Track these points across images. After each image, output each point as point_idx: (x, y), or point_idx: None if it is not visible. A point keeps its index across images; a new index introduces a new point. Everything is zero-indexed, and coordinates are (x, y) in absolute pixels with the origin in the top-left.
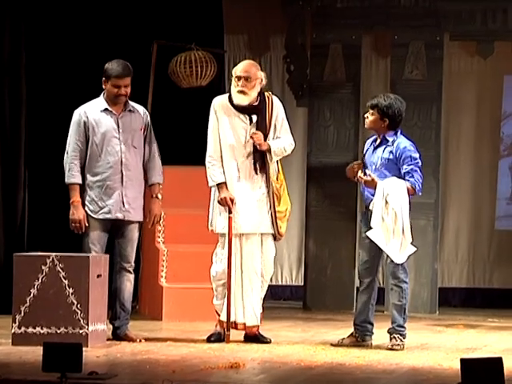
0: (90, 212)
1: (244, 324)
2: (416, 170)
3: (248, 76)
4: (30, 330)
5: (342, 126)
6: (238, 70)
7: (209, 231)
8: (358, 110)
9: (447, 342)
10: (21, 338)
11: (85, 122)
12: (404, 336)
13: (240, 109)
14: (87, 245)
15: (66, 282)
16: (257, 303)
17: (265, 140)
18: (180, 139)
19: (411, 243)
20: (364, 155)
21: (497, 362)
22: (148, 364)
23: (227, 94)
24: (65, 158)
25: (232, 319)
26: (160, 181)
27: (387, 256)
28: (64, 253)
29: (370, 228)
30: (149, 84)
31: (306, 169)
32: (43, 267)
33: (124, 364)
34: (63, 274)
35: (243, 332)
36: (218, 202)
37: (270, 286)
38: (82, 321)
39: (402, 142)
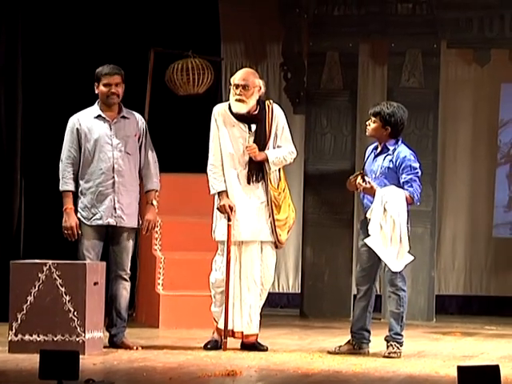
0: (83, 219)
1: (241, 332)
2: (415, 180)
3: (246, 84)
4: (27, 337)
5: (339, 133)
6: (236, 78)
7: (213, 239)
8: (354, 118)
9: (444, 350)
10: (17, 346)
11: (78, 129)
12: (401, 344)
13: (239, 117)
14: (82, 252)
15: (63, 289)
16: (255, 312)
17: (264, 149)
18: (177, 147)
19: (408, 252)
20: (364, 163)
21: (494, 370)
22: (145, 371)
23: (227, 103)
24: (60, 165)
25: (230, 327)
26: (156, 187)
27: (385, 264)
28: (60, 260)
29: (368, 235)
30: (146, 91)
31: (303, 176)
32: (40, 275)
33: (121, 371)
34: (60, 281)
35: (240, 340)
36: (218, 209)
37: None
38: (78, 328)
39: (403, 151)
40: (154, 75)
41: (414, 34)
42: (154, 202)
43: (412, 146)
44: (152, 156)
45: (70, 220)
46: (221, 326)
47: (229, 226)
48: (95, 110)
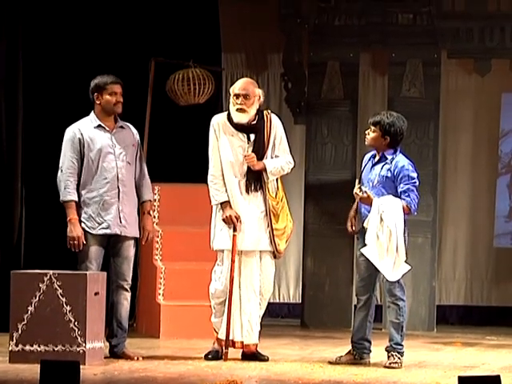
0: (87, 229)
1: (242, 342)
2: (412, 190)
3: (246, 94)
4: (28, 347)
5: (339, 143)
6: (236, 87)
7: (211, 249)
8: (355, 128)
9: (445, 360)
10: (18, 356)
11: (80, 139)
12: (402, 354)
13: (238, 127)
14: (84, 262)
15: (64, 299)
16: (255, 321)
17: (262, 159)
18: (178, 157)
19: (405, 261)
20: (361, 171)
21: (495, 381)
22: (146, 382)
23: (226, 113)
24: (59, 175)
25: (230, 337)
26: (151, 198)
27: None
28: (61, 270)
29: (366, 245)
30: (146, 101)
31: (303, 186)
32: (41, 285)
33: (121, 382)
34: (61, 291)
35: (241, 350)
36: (223, 220)
37: (267, 303)
38: (79, 338)
39: (401, 161)
40: (154, 85)
41: (415, 43)
42: (151, 213)
43: (412, 156)
44: (145, 166)
45: (76, 230)
46: (221, 336)
47: (234, 236)
48: (94, 119)
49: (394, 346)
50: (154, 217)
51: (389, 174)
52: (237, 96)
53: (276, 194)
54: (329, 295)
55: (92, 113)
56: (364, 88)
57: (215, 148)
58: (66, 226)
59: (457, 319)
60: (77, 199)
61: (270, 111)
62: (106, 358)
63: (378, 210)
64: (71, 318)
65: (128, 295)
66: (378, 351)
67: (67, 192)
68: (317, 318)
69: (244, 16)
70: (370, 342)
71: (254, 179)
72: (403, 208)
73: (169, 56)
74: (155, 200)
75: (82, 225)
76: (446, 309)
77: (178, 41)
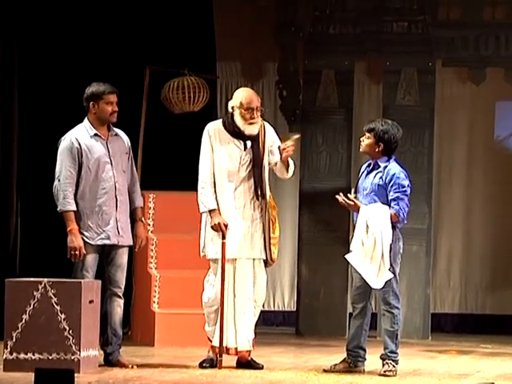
0: (86, 239)
1: (236, 349)
2: (402, 199)
3: (257, 106)
4: (22, 355)
5: (334, 151)
6: (248, 101)
7: (200, 257)
8: (350, 136)
9: (440, 368)
10: (12, 364)
11: (77, 149)
12: (396, 362)
13: (235, 134)
14: (80, 272)
15: (58, 307)
16: (249, 328)
17: (261, 165)
18: (173, 165)
19: (392, 270)
20: (358, 180)
21: None
22: None
23: (220, 120)
24: (56, 185)
25: (224, 344)
26: (142, 204)
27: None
28: (56, 278)
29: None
30: (141, 109)
31: (298, 194)
32: (35, 293)
33: None
34: (55, 299)
35: (235, 358)
36: (212, 227)
37: (262, 311)
38: (73, 347)
39: (393, 169)
40: (149, 93)
41: (410, 52)
42: (143, 219)
43: (407, 164)
44: (136, 172)
45: (77, 240)
46: (216, 343)
47: (223, 243)
48: (90, 128)
49: (388, 354)
50: (149, 225)
51: (381, 182)
52: (250, 109)
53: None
54: (324, 303)
55: (86, 121)
56: (359, 96)
57: (208, 154)
58: (60, 235)
59: (451, 327)
60: (75, 209)
61: (262, 119)
62: (100, 366)
63: (364, 216)
64: (66, 326)
65: (121, 302)
66: (372, 359)
67: (66, 202)
68: (311, 326)
69: (239, 24)
70: (364, 350)
71: (259, 185)
72: (391, 216)
73: (164, 64)
74: (150, 208)
75: (81, 235)
76: (441, 317)
77: (173, 49)
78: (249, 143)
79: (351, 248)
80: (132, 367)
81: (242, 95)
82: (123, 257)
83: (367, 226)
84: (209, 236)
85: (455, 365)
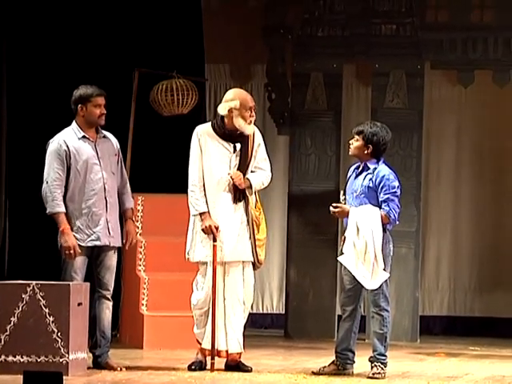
0: (76, 241)
1: (226, 351)
2: (393, 200)
3: (254, 104)
4: (10, 358)
5: (323, 154)
6: (250, 100)
7: (186, 260)
8: (339, 138)
9: (428, 371)
10: (1, 367)
11: (65, 151)
12: (385, 364)
13: (225, 137)
14: (69, 274)
15: (47, 310)
16: (239, 330)
17: (247, 169)
18: (161, 167)
19: (384, 269)
20: (346, 182)
21: None
22: None
23: (209, 123)
24: (44, 187)
25: (215, 346)
26: (133, 206)
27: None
28: (44, 281)
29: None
30: (130, 112)
31: (287, 197)
32: (23, 295)
33: None
34: (44, 302)
35: (224, 360)
36: (203, 230)
37: (250, 314)
38: (62, 349)
39: (382, 171)
40: (138, 96)
41: (398, 54)
42: (133, 219)
43: (396, 167)
44: (126, 174)
45: (70, 239)
46: (205, 346)
47: (214, 246)
48: (77, 131)
49: (377, 356)
50: (138, 227)
51: (371, 184)
52: (249, 109)
53: (255, 204)
54: (312, 306)
55: (74, 123)
56: (347, 99)
57: (198, 157)
58: (49, 236)
59: (440, 330)
60: (65, 210)
61: None
62: (89, 368)
63: (354, 218)
64: (54, 329)
65: (110, 304)
66: (361, 362)
67: (55, 204)
68: (300, 328)
69: (228, 27)
70: (353, 353)
71: (239, 190)
72: (382, 217)
73: (152, 66)
74: (138, 210)
75: None
76: (430, 319)
77: (162, 51)
78: (238, 145)
79: (343, 250)
80: (121, 370)
81: (238, 96)
82: (112, 259)
83: (357, 228)
84: (197, 239)
85: (444, 367)
